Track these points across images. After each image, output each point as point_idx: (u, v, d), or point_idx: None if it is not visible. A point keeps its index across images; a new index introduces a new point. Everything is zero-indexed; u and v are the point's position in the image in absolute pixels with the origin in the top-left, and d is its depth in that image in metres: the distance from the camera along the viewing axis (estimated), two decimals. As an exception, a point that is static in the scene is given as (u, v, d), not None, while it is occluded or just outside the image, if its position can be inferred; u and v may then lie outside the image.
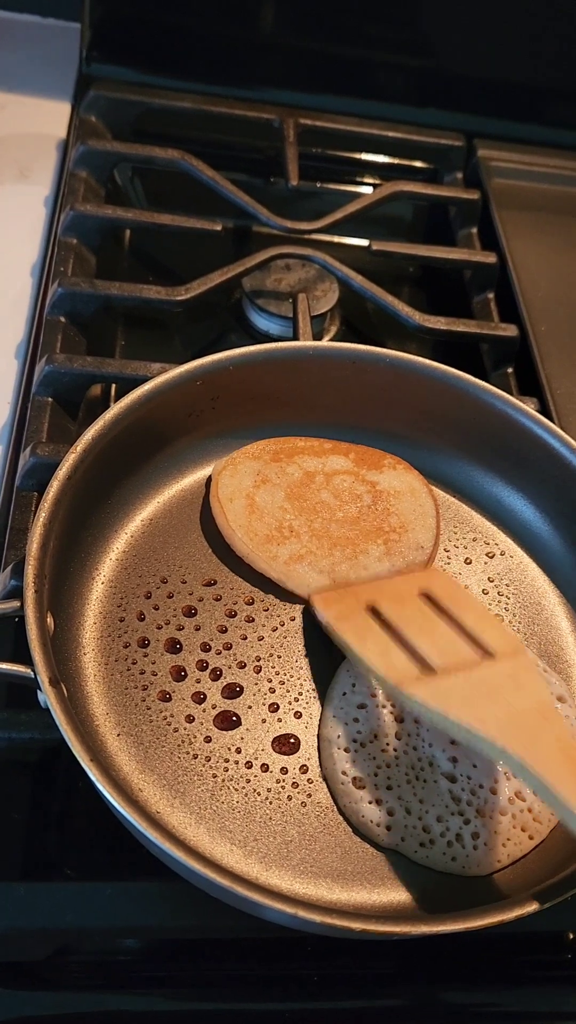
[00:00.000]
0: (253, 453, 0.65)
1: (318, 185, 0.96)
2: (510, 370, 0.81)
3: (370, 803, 0.52)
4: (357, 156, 0.97)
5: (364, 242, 0.92)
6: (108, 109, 0.90)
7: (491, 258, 0.86)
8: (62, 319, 0.73)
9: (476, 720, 0.47)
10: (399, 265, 0.92)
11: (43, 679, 0.46)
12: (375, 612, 0.56)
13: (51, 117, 0.94)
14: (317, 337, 0.82)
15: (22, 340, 0.77)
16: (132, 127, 0.91)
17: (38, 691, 0.47)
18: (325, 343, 0.66)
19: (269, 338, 0.82)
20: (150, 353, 0.79)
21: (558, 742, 0.45)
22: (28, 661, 0.47)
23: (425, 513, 0.64)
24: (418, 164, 0.98)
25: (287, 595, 0.61)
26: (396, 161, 0.98)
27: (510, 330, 0.80)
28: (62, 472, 0.54)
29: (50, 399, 0.68)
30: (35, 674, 0.46)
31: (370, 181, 0.99)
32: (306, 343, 0.67)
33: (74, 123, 0.91)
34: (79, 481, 0.55)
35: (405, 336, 0.84)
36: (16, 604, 0.49)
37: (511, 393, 0.78)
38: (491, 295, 0.87)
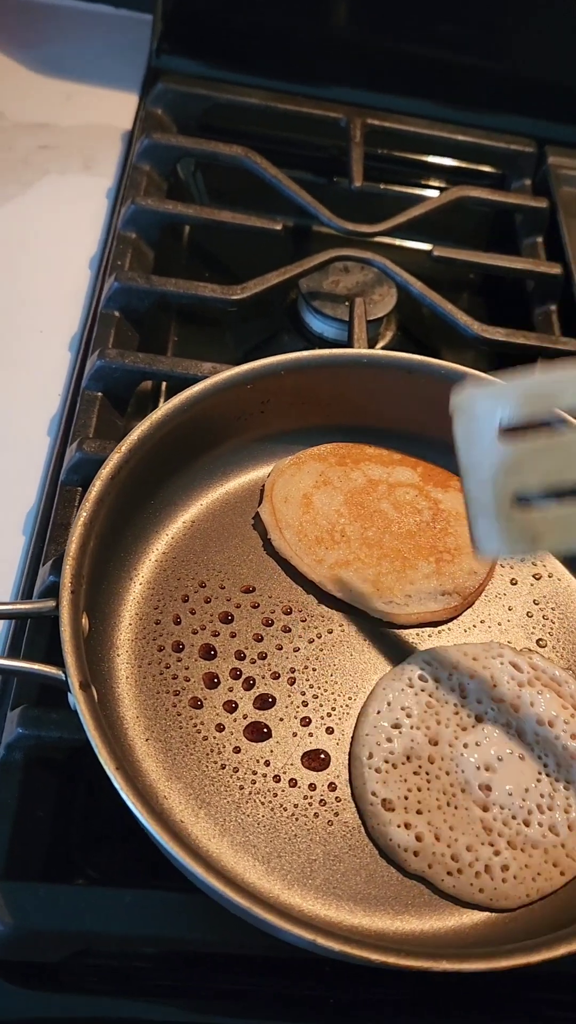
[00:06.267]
0: (319, 454, 0.65)
1: (381, 186, 0.95)
2: (568, 385, 0.78)
3: (399, 826, 0.51)
4: (423, 158, 0.95)
5: (424, 245, 0.90)
6: (175, 102, 0.90)
7: (556, 269, 0.84)
8: (116, 313, 0.73)
9: None
10: (459, 270, 0.90)
11: (74, 682, 0.45)
12: None
13: (118, 108, 0.94)
14: (372, 342, 0.81)
15: (76, 333, 0.77)
16: (198, 121, 0.91)
17: (68, 693, 0.46)
18: (379, 351, 0.65)
19: (323, 340, 0.81)
20: (202, 350, 0.79)
21: None
22: (61, 661, 0.47)
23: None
24: (485, 168, 0.96)
25: (326, 604, 0.60)
26: (463, 165, 0.96)
27: (571, 345, 0.78)
28: (105, 471, 0.54)
29: (100, 394, 0.68)
30: (66, 676, 0.46)
31: (435, 184, 0.97)
32: (360, 351, 0.65)
33: (140, 115, 0.91)
34: (123, 481, 0.55)
35: (462, 344, 0.82)
36: (52, 604, 0.48)
37: (568, 409, 0.76)
38: (553, 307, 0.84)
